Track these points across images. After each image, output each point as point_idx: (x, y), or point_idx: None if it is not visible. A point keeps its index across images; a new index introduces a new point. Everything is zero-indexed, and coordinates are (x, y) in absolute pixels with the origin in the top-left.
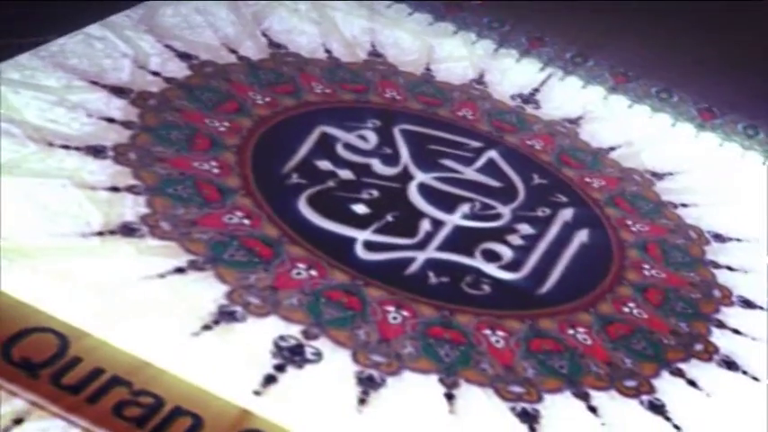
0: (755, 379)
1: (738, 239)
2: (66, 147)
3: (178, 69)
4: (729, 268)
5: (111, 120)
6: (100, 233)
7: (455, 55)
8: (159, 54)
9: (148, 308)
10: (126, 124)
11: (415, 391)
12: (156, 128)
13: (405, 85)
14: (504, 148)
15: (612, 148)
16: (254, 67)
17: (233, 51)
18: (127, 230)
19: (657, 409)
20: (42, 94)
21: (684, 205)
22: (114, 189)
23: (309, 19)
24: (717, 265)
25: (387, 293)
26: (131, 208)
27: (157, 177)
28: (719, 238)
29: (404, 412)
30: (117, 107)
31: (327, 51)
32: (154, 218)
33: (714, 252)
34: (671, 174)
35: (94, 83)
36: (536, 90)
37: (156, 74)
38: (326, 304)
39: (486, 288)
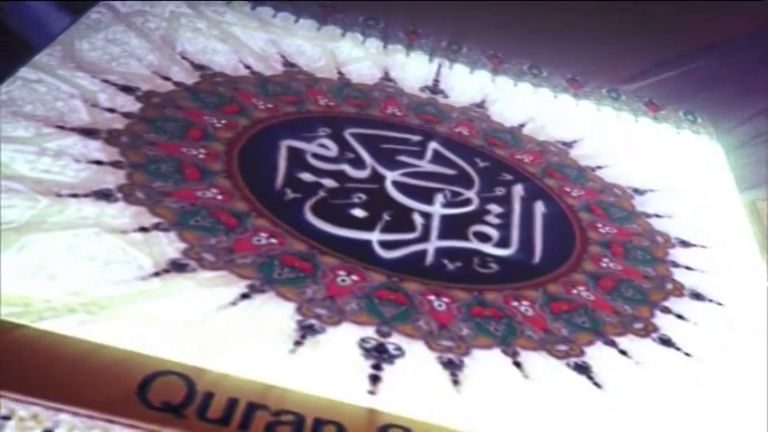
0: (688, 354)
1: (652, 190)
2: (74, 195)
3: (128, 103)
4: (657, 215)
5: (98, 162)
6: (156, 274)
7: (354, 56)
8: (102, 90)
9: (239, 335)
10: (115, 164)
11: (487, 365)
12: (144, 164)
13: (330, 91)
14: (440, 138)
15: (522, 125)
16: (192, 91)
17: (166, 78)
18: (178, 267)
19: (582, 369)
20: (21, 146)
21: (599, 167)
22: (143, 229)
23: (214, 37)
24: (647, 215)
25: (422, 285)
26: (169, 245)
27: (173, 211)
28: (638, 191)
29: (497, 387)
30: (96, 149)
31: (248, 67)
32: (194, 251)
33: (641, 204)
34: (576, 141)
35: (61, 127)
36: (437, 81)
37: (111, 110)
38: (381, 303)
39: (494, 266)
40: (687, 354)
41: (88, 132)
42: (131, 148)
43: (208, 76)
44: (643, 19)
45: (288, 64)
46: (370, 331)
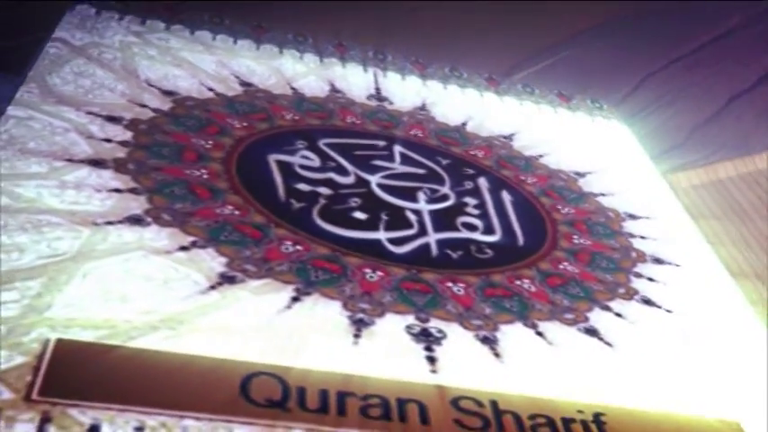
0: (669, 311)
1: (590, 172)
2: (110, 223)
3: (119, 132)
4: (603, 194)
5: (118, 190)
6: (212, 287)
7: (299, 71)
8: (91, 122)
9: (303, 334)
10: (132, 191)
11: (516, 338)
12: (158, 188)
13: (291, 106)
14: (401, 141)
15: (464, 124)
16: (172, 116)
17: (143, 106)
18: (228, 279)
19: (592, 332)
20: (42, 181)
21: (541, 156)
22: (184, 248)
23: (169, 63)
24: (595, 194)
25: (437, 274)
26: (213, 260)
27: (202, 229)
28: (580, 174)
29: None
30: (110, 178)
31: (211, 90)
32: (236, 263)
33: (586, 185)
34: (514, 134)
35: (70, 160)
36: (378, 89)
37: (107, 140)
38: (410, 294)
39: (489, 251)
40: (668, 310)
41: (96, 163)
42: (140, 174)
43: (179, 101)
44: (508, 13)
45: (244, 84)
46: (410, 319)
